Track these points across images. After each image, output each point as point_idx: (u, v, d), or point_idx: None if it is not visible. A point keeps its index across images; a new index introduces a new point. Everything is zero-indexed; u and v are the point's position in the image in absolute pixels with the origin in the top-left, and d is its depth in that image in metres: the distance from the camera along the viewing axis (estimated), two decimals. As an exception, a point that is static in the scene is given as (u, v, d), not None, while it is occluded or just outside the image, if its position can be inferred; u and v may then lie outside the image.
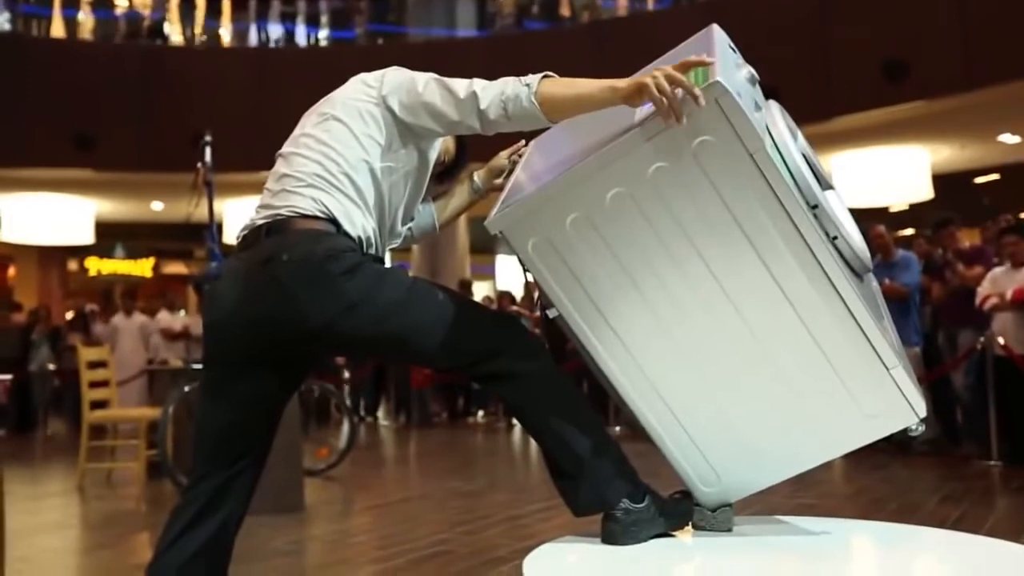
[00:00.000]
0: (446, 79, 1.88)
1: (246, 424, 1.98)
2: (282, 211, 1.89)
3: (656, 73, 1.60)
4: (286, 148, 2.01)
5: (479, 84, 1.83)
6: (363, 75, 2.01)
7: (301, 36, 13.10)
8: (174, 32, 12.87)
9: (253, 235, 1.92)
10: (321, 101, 2.04)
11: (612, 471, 1.83)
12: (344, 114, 1.94)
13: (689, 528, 1.87)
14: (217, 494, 1.95)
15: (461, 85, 1.84)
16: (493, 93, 1.79)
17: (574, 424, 1.84)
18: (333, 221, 1.88)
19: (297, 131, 2.02)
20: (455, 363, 1.91)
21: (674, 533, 1.84)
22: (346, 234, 1.88)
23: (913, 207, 11.79)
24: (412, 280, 1.95)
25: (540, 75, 1.78)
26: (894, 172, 11.02)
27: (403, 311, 1.85)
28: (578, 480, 1.83)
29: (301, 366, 2.05)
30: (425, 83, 1.89)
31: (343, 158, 1.91)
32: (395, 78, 1.95)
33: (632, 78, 1.67)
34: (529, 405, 1.88)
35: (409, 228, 2.19)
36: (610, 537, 1.79)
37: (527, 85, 1.76)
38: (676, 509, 1.86)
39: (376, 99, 1.94)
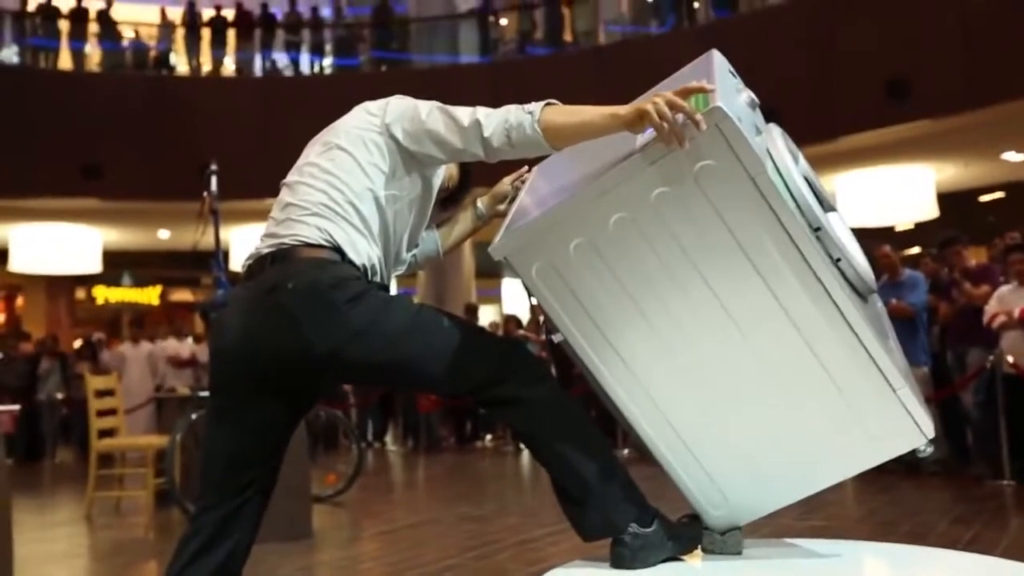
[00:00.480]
0: (449, 107, 1.90)
1: (253, 452, 1.98)
2: (287, 240, 1.90)
3: (656, 99, 1.61)
4: (291, 177, 2.02)
5: (482, 112, 1.84)
6: (367, 103, 2.03)
7: (305, 64, 13.20)
8: (180, 62, 13.00)
9: (258, 264, 1.93)
10: (325, 130, 2.05)
11: (620, 495, 1.82)
12: (348, 143, 1.96)
13: (698, 552, 1.86)
14: (225, 523, 1.94)
15: (464, 113, 1.86)
16: (496, 121, 1.81)
17: (581, 449, 1.84)
18: (338, 249, 1.88)
19: (301, 160, 2.04)
20: (461, 389, 1.91)
21: (683, 557, 1.83)
22: (351, 262, 1.89)
23: (919, 226, 11.78)
24: (417, 307, 1.95)
25: (543, 103, 1.80)
26: (899, 191, 11.02)
27: (409, 338, 1.86)
28: (585, 505, 1.82)
29: (307, 394, 2.05)
30: (429, 111, 1.91)
31: (348, 187, 1.92)
32: (399, 106, 1.97)
33: (633, 104, 1.68)
34: (536, 430, 1.87)
35: (413, 255, 2.21)
36: (619, 561, 1.78)
37: (530, 113, 1.77)
38: (685, 533, 1.86)
39: (380, 127, 1.95)
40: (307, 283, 1.83)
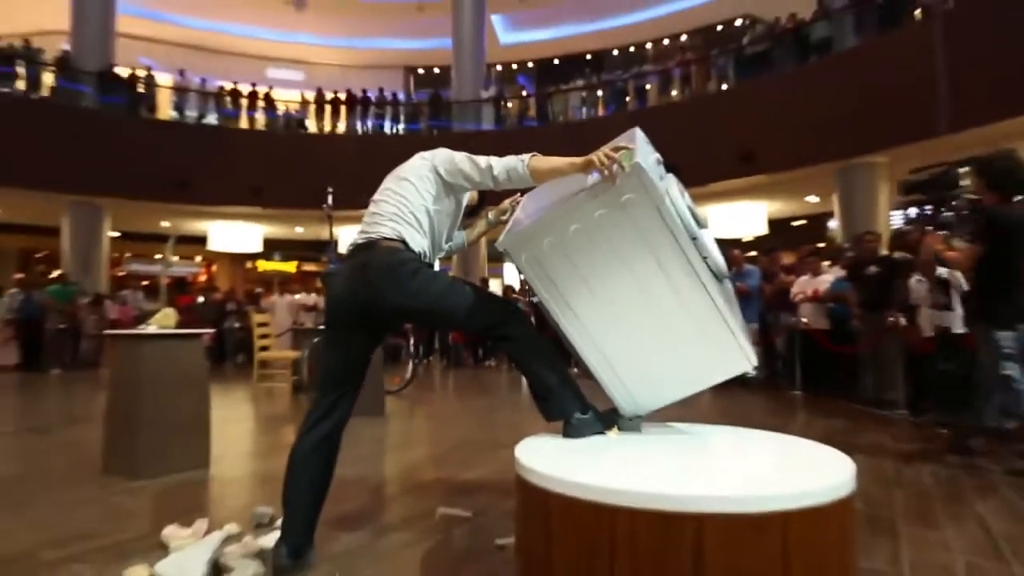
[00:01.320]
0: (473, 156, 1.88)
1: (349, 364, 1.97)
2: (373, 235, 1.90)
3: (599, 152, 1.61)
4: (376, 196, 2.01)
5: (494, 159, 1.84)
6: (422, 152, 2.02)
7: (387, 127, 13.11)
8: (312, 124, 12.92)
9: (355, 249, 1.93)
10: (397, 168, 2.03)
11: (570, 395, 1.83)
12: (411, 176, 1.95)
13: (615, 429, 1.87)
14: (333, 405, 1.95)
15: (482, 160, 1.85)
16: (501, 165, 1.80)
17: (547, 367, 1.84)
18: (403, 242, 1.88)
19: (382, 186, 2.02)
20: (476, 329, 1.90)
21: (606, 432, 1.83)
22: (411, 250, 1.89)
23: (756, 238, 11.77)
24: (452, 278, 1.94)
25: (530, 154, 1.78)
26: (745, 217, 11.03)
27: (446, 297, 1.85)
28: (549, 401, 1.83)
29: (383, 328, 2.04)
30: (461, 158, 1.90)
31: (410, 203, 1.92)
32: (442, 154, 1.95)
33: (585, 156, 1.67)
34: (521, 356, 1.87)
35: (449, 246, 2.18)
36: (568, 434, 1.80)
37: (522, 160, 1.77)
38: (607, 418, 1.86)
39: (430, 168, 1.94)
40: (385, 263, 1.83)
